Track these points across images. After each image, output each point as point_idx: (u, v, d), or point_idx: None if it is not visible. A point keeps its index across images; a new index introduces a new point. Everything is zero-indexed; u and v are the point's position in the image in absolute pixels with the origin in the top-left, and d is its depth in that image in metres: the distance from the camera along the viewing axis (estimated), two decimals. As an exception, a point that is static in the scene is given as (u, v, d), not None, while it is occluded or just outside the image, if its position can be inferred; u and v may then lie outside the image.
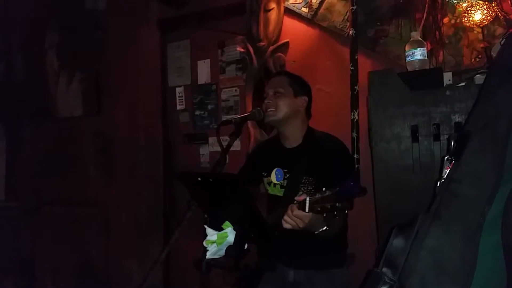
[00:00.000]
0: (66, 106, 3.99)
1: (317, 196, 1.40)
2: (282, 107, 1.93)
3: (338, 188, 1.33)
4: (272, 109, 1.93)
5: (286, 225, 1.49)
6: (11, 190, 4.20)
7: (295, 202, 1.47)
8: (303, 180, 1.88)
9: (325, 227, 1.55)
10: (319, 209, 1.38)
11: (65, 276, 3.78)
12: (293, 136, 1.98)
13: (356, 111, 2.51)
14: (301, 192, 1.86)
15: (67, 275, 3.77)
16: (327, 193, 1.37)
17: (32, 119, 4.16)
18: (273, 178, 1.99)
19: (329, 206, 1.35)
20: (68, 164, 3.92)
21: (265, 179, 2.03)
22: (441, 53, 2.38)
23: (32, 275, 3.94)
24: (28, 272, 3.93)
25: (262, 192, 2.17)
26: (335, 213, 1.35)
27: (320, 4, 2.79)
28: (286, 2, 2.91)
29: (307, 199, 1.41)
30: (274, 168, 1.99)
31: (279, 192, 1.96)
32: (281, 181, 1.96)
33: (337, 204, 1.33)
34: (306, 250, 1.85)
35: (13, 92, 4.24)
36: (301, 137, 1.97)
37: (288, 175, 1.94)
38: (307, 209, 1.41)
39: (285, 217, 1.48)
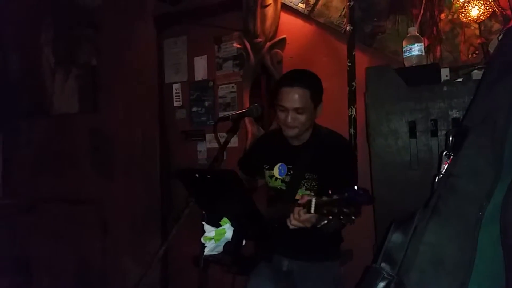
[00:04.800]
0: (62, 103, 3.98)
1: (324, 198, 1.41)
2: (304, 124, 1.88)
3: (346, 194, 1.34)
4: (294, 127, 1.87)
5: (291, 226, 1.53)
6: (7, 188, 4.19)
7: (299, 203, 1.50)
8: (306, 176, 1.90)
9: (326, 221, 1.55)
10: (325, 211, 1.40)
11: (61, 274, 3.77)
12: (303, 137, 1.97)
13: (354, 107, 2.51)
14: (303, 189, 1.89)
15: (64, 273, 3.76)
16: (335, 197, 1.38)
17: (28, 116, 4.15)
18: (275, 172, 2.00)
19: (336, 211, 1.36)
20: (64, 162, 3.91)
21: (267, 172, 2.04)
22: (438, 48, 2.38)
23: (29, 273, 3.93)
24: (24, 270, 3.92)
25: (260, 184, 2.18)
26: (342, 217, 1.36)
27: (317, 0, 2.78)
28: (283, -2, 2.90)
29: (313, 200, 1.43)
30: (278, 163, 2.00)
31: (279, 185, 1.98)
32: (284, 176, 1.97)
33: (345, 210, 1.34)
34: (302, 242, 1.87)
35: (8, 89, 4.22)
36: (309, 135, 1.97)
37: (292, 172, 1.96)
38: (312, 210, 1.43)
39: (293, 221, 1.51)
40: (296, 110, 1.84)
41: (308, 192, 1.90)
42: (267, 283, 1.92)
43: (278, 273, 1.95)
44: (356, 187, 1.35)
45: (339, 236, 2.04)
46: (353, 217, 1.34)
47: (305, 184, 1.90)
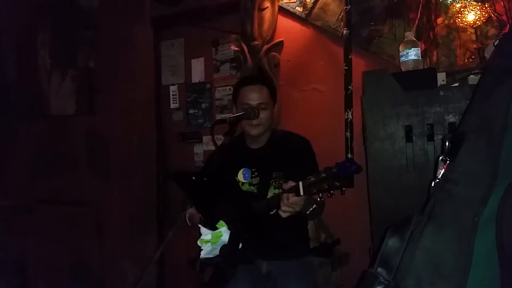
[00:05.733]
0: (58, 104, 3.97)
1: (311, 179, 1.47)
2: (266, 122, 1.98)
3: (335, 169, 1.40)
4: (258, 124, 1.96)
5: (284, 214, 1.60)
6: (4, 190, 4.17)
7: (284, 189, 1.58)
8: (274, 175, 1.96)
9: (314, 206, 1.68)
10: (315, 190, 1.46)
11: (58, 276, 3.76)
12: (263, 139, 2.05)
13: (350, 111, 2.52)
14: (272, 188, 1.94)
15: (61, 275, 3.75)
16: (322, 175, 1.43)
17: (25, 118, 4.13)
18: (240, 177, 2.04)
19: (326, 187, 1.43)
20: (61, 163, 3.90)
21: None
22: (435, 53, 2.39)
23: (25, 275, 3.91)
24: (21, 272, 3.90)
25: None
26: (332, 192, 1.43)
27: (315, 3, 2.79)
28: (281, 1, 2.91)
29: (300, 183, 1.50)
30: (241, 169, 2.03)
31: (247, 189, 2.01)
32: (249, 180, 2.02)
33: (336, 183, 1.40)
34: (278, 241, 1.92)
35: (5, 91, 4.21)
36: (267, 137, 2.05)
37: (256, 173, 2.00)
38: (301, 192, 1.50)
39: (283, 207, 1.58)
40: (259, 105, 1.94)
41: (277, 190, 1.92)
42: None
43: (257, 277, 1.97)
44: (343, 161, 1.42)
45: (307, 231, 2.12)
46: (344, 189, 1.42)
47: (273, 183, 1.95)
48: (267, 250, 1.94)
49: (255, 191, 1.98)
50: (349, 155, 2.48)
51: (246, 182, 2.02)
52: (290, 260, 1.98)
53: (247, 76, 2.34)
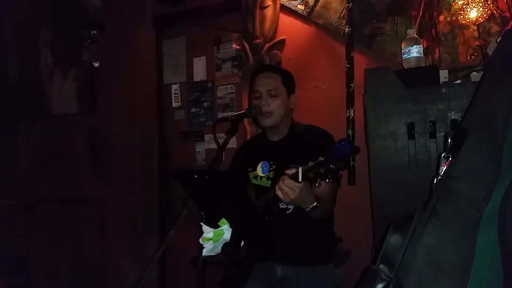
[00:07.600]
0: (60, 103, 3.98)
1: (309, 164, 1.40)
2: (278, 110, 1.94)
3: (330, 150, 1.32)
4: (269, 113, 1.92)
5: (280, 196, 1.51)
6: (5, 188, 4.18)
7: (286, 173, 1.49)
8: (290, 168, 1.88)
9: (315, 203, 1.57)
10: (312, 176, 1.38)
11: (59, 275, 3.77)
12: (282, 131, 2.01)
13: (352, 109, 2.52)
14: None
15: (62, 274, 3.76)
16: (320, 159, 1.36)
17: (27, 116, 4.14)
18: (259, 171, 2.02)
19: (322, 171, 1.34)
20: (63, 162, 3.91)
21: (251, 174, 2.05)
22: (437, 50, 2.39)
23: (26, 274, 3.92)
24: (22, 271, 3.91)
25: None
26: (329, 176, 1.34)
27: (316, 1, 2.79)
28: (282, -1, 2.91)
29: (300, 169, 1.42)
30: (260, 162, 2.01)
31: (265, 183, 1.99)
32: (267, 173, 1.99)
33: (331, 166, 1.32)
34: (294, 245, 1.89)
35: (7, 90, 4.21)
36: (287, 129, 2.01)
37: (274, 167, 1.97)
38: (300, 179, 1.42)
39: (277, 190, 1.50)
40: (269, 92, 1.92)
41: None
42: None
43: (272, 281, 1.92)
44: (338, 141, 1.32)
45: (330, 237, 2.05)
46: (340, 172, 1.33)
47: None
48: (280, 253, 1.89)
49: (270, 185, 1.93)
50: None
51: (264, 176, 1.99)
52: (307, 266, 1.89)
53: (261, 64, 2.36)
